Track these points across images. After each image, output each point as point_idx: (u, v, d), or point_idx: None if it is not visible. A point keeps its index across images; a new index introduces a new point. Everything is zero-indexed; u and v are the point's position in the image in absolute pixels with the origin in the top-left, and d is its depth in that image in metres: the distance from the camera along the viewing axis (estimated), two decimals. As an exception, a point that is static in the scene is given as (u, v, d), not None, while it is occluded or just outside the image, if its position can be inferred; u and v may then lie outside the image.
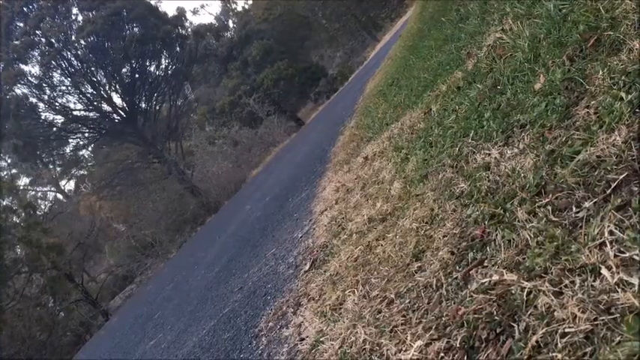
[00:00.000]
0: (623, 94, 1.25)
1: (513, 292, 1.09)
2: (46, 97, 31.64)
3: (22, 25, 30.54)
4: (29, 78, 31.10)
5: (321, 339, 1.79)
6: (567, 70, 1.60)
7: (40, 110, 32.14)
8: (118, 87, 33.55)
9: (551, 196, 1.23)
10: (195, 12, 73.44)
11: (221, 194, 27.00)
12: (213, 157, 31.48)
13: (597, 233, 1.01)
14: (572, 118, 1.41)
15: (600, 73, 1.42)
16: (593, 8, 1.71)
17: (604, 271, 0.92)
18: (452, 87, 2.72)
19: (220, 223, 13.78)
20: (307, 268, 2.68)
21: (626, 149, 1.14)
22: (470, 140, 1.91)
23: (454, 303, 1.25)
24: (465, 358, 1.13)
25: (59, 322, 20.20)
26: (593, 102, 1.37)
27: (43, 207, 32.87)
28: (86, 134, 34.75)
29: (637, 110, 1.19)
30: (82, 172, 38.56)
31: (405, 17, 25.08)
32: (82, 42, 31.91)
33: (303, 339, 2.02)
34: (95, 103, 33.27)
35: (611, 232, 0.99)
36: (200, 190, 30.62)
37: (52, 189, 39.61)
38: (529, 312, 1.01)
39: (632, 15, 1.50)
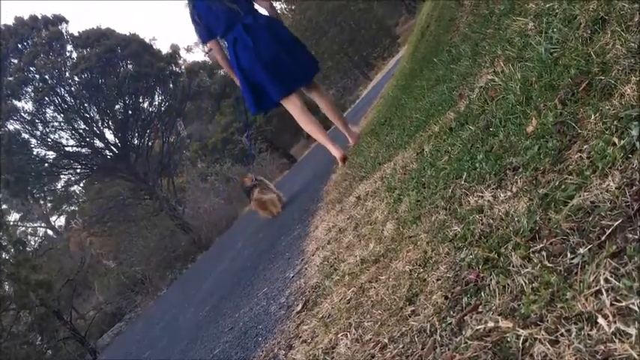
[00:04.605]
0: (615, 139, 1.26)
1: (509, 339, 1.07)
2: (38, 132, 31.69)
3: (16, 61, 30.69)
4: (22, 114, 31.12)
5: (313, 384, 1.76)
6: (559, 113, 1.61)
7: (32, 146, 32.14)
8: (110, 123, 33.65)
9: (545, 241, 1.22)
10: (189, 50, 73.94)
11: (212, 231, 26.86)
12: (205, 193, 31.45)
13: (593, 281, 1.00)
14: (565, 162, 1.41)
15: (592, 117, 1.43)
16: (584, 52, 1.73)
17: (600, 320, 0.91)
18: (444, 128, 2.73)
19: (211, 261, 13.68)
20: (299, 308, 2.65)
21: (619, 195, 1.14)
22: (463, 182, 1.91)
23: (449, 349, 1.23)
24: (460, 406, 1.11)
25: (46, 361, 19.87)
26: (585, 146, 1.37)
27: (32, 243, 32.60)
28: (78, 170, 34.69)
29: (630, 156, 1.19)
30: (72, 208, 38.37)
31: (397, 56, 25.38)
32: (76, 78, 32.08)
33: (294, 383, 1.99)
34: (88, 139, 33.30)
35: (606, 280, 0.98)
36: (191, 226, 30.48)
37: (43, 225, 39.35)
38: (525, 361, 0.99)
39: (623, 60, 1.52)
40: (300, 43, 5.75)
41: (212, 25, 5.30)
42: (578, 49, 1.79)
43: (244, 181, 8.05)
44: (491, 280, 1.29)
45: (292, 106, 5.60)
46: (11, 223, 33.81)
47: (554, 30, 2.08)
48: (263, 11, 5.53)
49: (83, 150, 33.37)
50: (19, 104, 30.59)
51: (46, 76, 30.68)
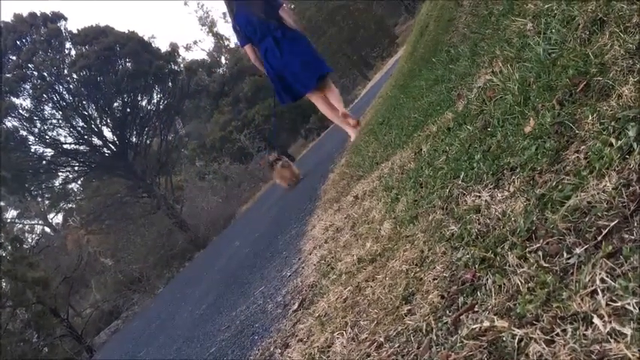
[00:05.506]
0: (612, 140, 1.26)
1: (504, 339, 1.07)
2: (36, 130, 31.62)
3: (14, 58, 30.59)
4: (20, 111, 31.03)
5: (308, 382, 1.76)
6: (557, 114, 1.60)
7: (30, 143, 32.05)
8: (109, 121, 33.57)
9: (541, 241, 1.22)
10: (188, 48, 74.10)
11: (210, 230, 26.85)
12: (202, 192, 31.40)
13: (589, 281, 1.00)
14: (562, 162, 1.41)
15: (590, 118, 1.43)
16: (583, 53, 1.73)
17: (596, 320, 0.91)
18: (442, 128, 2.73)
19: (209, 259, 13.68)
20: (296, 307, 2.65)
21: (616, 195, 1.14)
22: (460, 182, 1.91)
23: (444, 348, 1.23)
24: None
25: (43, 359, 19.82)
26: (583, 147, 1.37)
27: (30, 240, 32.50)
28: (76, 168, 34.58)
29: (627, 157, 1.19)
30: (70, 206, 38.27)
31: (396, 56, 25.34)
32: (75, 76, 32.00)
33: (290, 382, 1.98)
34: (86, 137, 33.22)
35: (602, 280, 0.98)
36: (189, 225, 30.44)
37: (40, 222, 39.28)
38: (520, 360, 0.99)
39: (621, 61, 1.52)
40: (315, 53, 7.30)
41: (249, 33, 6.78)
42: (577, 49, 1.79)
43: (267, 157, 9.71)
44: (487, 279, 1.29)
45: (314, 98, 7.24)
46: (8, 220, 33.76)
47: (553, 31, 2.08)
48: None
49: (81, 147, 33.30)
50: (17, 101, 30.53)
51: (45, 74, 30.61)
